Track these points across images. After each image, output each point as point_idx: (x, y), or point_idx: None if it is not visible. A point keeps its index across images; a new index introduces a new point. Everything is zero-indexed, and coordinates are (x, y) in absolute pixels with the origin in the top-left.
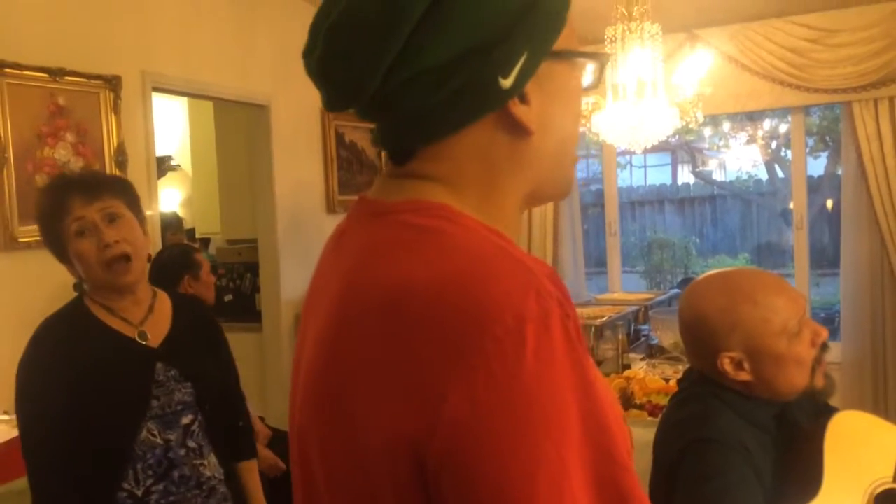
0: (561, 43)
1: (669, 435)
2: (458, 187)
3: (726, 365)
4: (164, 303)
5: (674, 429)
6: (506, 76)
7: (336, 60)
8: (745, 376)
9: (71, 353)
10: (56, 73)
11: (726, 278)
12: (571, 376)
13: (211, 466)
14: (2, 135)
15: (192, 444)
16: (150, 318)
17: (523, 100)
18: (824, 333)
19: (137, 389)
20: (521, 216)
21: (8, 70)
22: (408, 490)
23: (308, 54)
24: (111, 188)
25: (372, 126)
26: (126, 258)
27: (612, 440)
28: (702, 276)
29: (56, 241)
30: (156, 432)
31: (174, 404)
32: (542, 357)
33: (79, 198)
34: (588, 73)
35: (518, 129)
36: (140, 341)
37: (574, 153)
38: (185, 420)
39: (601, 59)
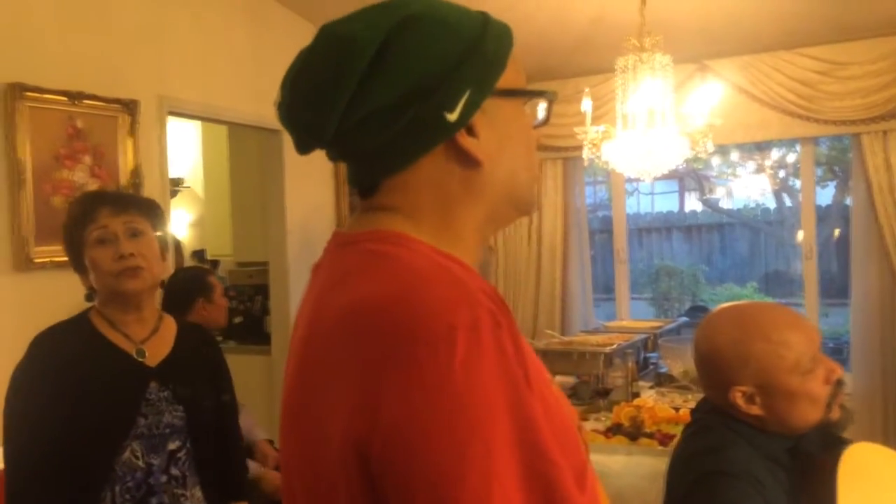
0: (506, 82)
1: (683, 467)
2: (416, 217)
3: (738, 399)
4: (170, 327)
5: (688, 461)
6: (451, 111)
7: (299, 107)
8: (756, 410)
9: (65, 361)
10: (75, 97)
11: (741, 312)
12: (501, 380)
13: (194, 499)
14: (21, 156)
15: (175, 471)
16: (152, 338)
17: (471, 133)
18: (839, 371)
19: (126, 404)
20: (482, 242)
21: (28, 93)
22: (359, 491)
23: (279, 106)
24: (139, 206)
25: None
26: (135, 270)
27: (540, 437)
28: (717, 308)
29: (75, 248)
30: (139, 454)
31: (162, 426)
32: (472, 361)
33: (106, 209)
34: (540, 109)
35: (468, 161)
36: (137, 358)
37: (532, 174)
38: (172, 445)
39: (547, 97)
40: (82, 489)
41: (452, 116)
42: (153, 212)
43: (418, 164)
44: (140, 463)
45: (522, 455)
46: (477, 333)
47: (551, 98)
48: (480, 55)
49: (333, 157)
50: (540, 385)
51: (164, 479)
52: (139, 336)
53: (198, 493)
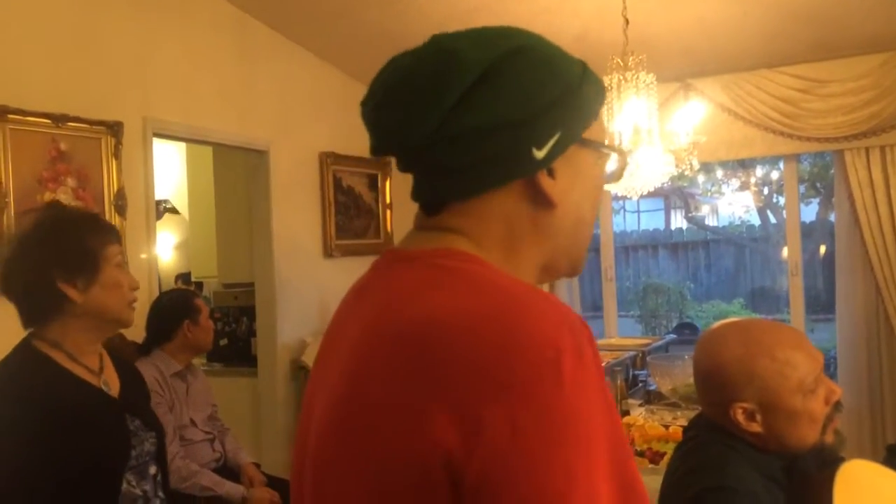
0: (590, 133)
1: (681, 483)
2: (482, 244)
3: (739, 415)
4: (107, 358)
5: (685, 477)
6: (540, 148)
7: (390, 110)
8: (756, 428)
9: (39, 403)
10: (58, 119)
11: (746, 329)
12: (602, 404)
13: None
14: (3, 180)
15: (161, 494)
16: (104, 368)
17: (551, 174)
18: (839, 392)
19: (119, 440)
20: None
21: (11, 116)
22: None
23: (365, 103)
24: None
25: (368, 172)
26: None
27: (632, 466)
28: (720, 325)
29: (87, 258)
30: (134, 483)
31: (144, 454)
32: (577, 386)
33: (116, 237)
34: (611, 165)
35: (542, 201)
36: (105, 390)
37: (589, 235)
38: (153, 471)
39: (624, 155)
40: None
41: (540, 154)
42: None
43: (492, 194)
44: (137, 491)
45: (619, 481)
46: (581, 358)
47: (627, 157)
48: (577, 100)
49: (404, 167)
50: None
51: (157, 503)
52: (95, 367)
53: None
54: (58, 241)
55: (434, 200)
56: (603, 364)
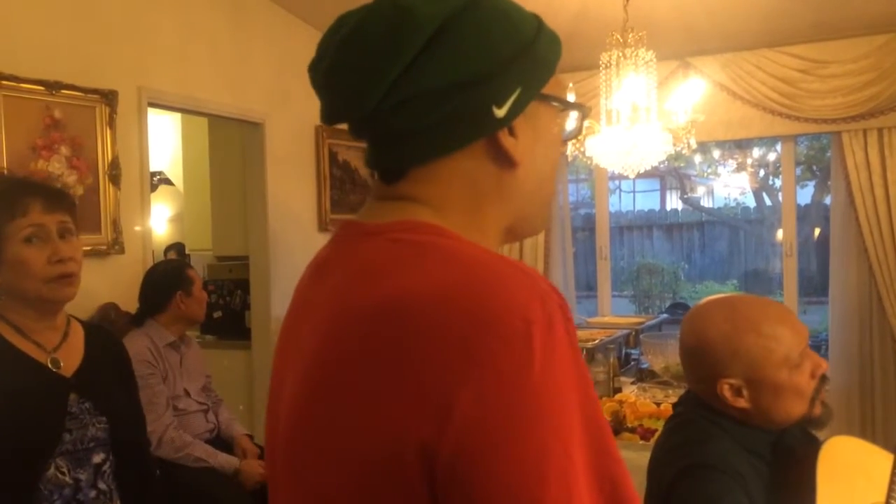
0: (549, 89)
1: (665, 459)
2: (444, 211)
3: (725, 391)
4: (78, 331)
5: (670, 453)
6: (500, 106)
7: (342, 73)
8: (742, 403)
9: None
10: (53, 87)
11: (732, 305)
12: (574, 377)
13: None
14: None
15: (102, 485)
16: (63, 344)
17: (512, 133)
18: (824, 365)
19: (50, 421)
20: (500, 248)
21: (4, 82)
22: (415, 494)
23: (314, 67)
24: (67, 203)
25: (364, 146)
26: (71, 277)
27: (608, 436)
28: (706, 301)
29: None
30: (65, 470)
31: (87, 440)
32: (548, 358)
33: (39, 203)
34: (571, 121)
35: (505, 160)
36: (52, 368)
37: (551, 193)
38: (97, 459)
39: (583, 110)
40: None
41: (500, 112)
42: (75, 209)
43: (452, 157)
44: (67, 479)
45: (594, 455)
46: (551, 329)
47: (586, 112)
48: (535, 55)
49: (358, 134)
50: None
51: (92, 494)
52: (50, 344)
53: None
54: None
55: (392, 167)
56: (578, 336)
